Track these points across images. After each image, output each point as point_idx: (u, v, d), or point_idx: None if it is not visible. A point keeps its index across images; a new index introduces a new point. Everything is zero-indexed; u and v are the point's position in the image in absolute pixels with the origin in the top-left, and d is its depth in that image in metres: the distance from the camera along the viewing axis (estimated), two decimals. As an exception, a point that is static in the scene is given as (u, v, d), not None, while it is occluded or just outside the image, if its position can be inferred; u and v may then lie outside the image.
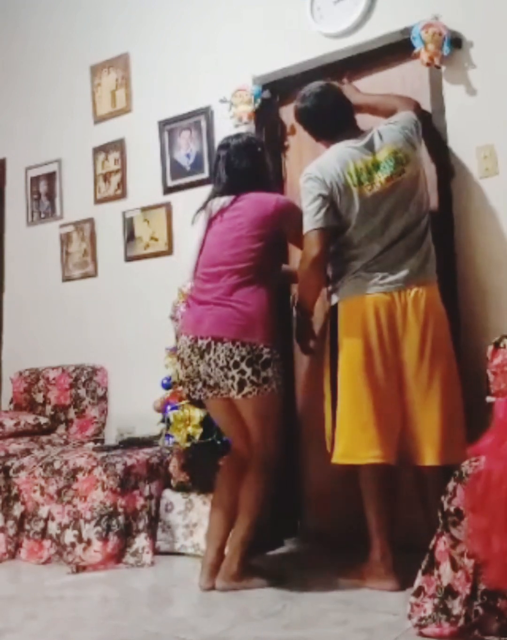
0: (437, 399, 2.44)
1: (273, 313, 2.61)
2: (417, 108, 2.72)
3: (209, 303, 2.61)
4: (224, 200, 2.70)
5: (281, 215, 2.66)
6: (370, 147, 2.56)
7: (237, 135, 2.85)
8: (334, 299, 2.61)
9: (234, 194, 2.69)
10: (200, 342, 2.56)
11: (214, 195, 2.76)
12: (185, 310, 2.85)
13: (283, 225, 2.67)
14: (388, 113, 2.71)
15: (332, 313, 2.61)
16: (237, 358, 2.50)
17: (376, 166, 2.53)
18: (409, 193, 2.53)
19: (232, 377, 2.51)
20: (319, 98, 2.68)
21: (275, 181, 2.98)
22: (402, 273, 2.49)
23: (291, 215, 2.66)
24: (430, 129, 2.79)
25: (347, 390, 2.51)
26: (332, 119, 2.68)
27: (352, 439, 2.49)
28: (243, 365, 2.50)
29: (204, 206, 2.77)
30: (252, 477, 2.63)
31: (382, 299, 2.49)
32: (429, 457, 2.43)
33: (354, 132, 2.65)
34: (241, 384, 2.51)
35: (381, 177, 2.52)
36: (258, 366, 2.51)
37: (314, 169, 2.58)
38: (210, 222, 2.73)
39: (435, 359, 2.46)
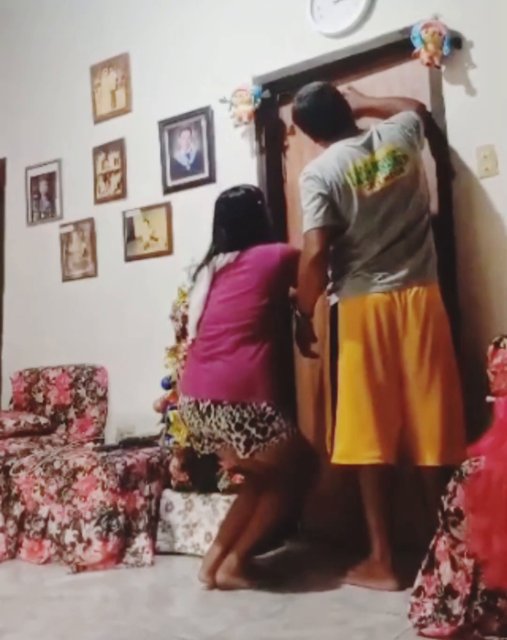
0: (437, 398, 2.44)
1: (275, 369, 2.58)
2: (420, 108, 2.71)
3: (208, 360, 2.58)
4: (229, 257, 2.68)
5: (287, 263, 2.63)
6: (368, 146, 2.56)
7: (235, 189, 2.82)
8: (334, 299, 2.60)
9: (237, 249, 2.67)
10: (201, 405, 2.54)
11: (215, 251, 2.74)
12: (185, 366, 2.81)
13: (290, 273, 2.64)
14: (392, 115, 2.70)
15: (332, 313, 2.60)
16: (238, 421, 2.48)
17: (375, 165, 2.52)
18: (408, 192, 2.53)
19: (238, 439, 2.49)
20: (316, 98, 2.68)
21: (276, 232, 2.93)
22: (402, 272, 2.49)
23: (296, 262, 2.62)
24: (433, 128, 2.78)
25: (347, 391, 2.51)
26: (330, 119, 2.67)
27: (352, 439, 2.49)
28: (246, 426, 2.48)
29: (206, 262, 2.74)
30: (271, 493, 2.62)
31: (382, 299, 2.48)
32: (429, 457, 2.43)
33: (353, 131, 2.65)
34: (248, 444, 2.49)
35: (380, 176, 2.51)
36: (263, 424, 2.48)
37: (313, 168, 2.57)
38: (214, 278, 2.70)
39: (435, 358, 2.46)
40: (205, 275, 2.73)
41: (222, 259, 2.70)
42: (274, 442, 2.50)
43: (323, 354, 2.69)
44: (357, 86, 3.05)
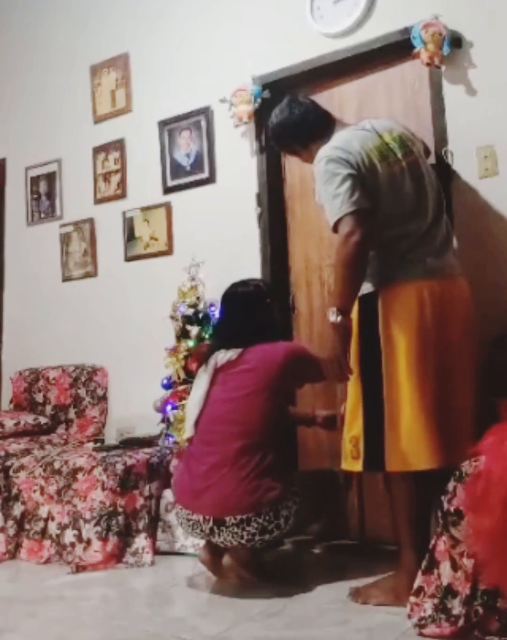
0: (471, 396, 2.33)
1: (281, 472, 2.51)
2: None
3: (207, 475, 2.51)
4: (231, 353, 2.63)
5: (292, 363, 2.59)
6: (374, 131, 2.41)
7: (245, 283, 2.77)
8: (372, 286, 2.33)
9: (241, 347, 2.63)
10: (203, 525, 2.50)
11: (218, 347, 2.70)
12: (182, 468, 2.72)
13: (295, 372, 2.61)
14: None
15: (369, 302, 2.32)
16: (247, 537, 2.44)
17: (388, 146, 2.39)
18: (424, 175, 2.41)
19: (253, 545, 2.47)
20: (291, 106, 2.54)
21: (281, 331, 2.87)
22: (448, 258, 2.38)
23: (300, 361, 2.60)
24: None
25: (410, 391, 2.25)
26: (318, 118, 2.52)
27: (415, 443, 2.24)
28: (257, 538, 2.44)
29: (207, 358, 2.71)
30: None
31: (436, 285, 2.29)
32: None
33: (345, 125, 2.50)
34: (262, 543, 2.48)
35: (398, 155, 2.37)
36: (271, 525, 2.44)
37: (334, 150, 2.34)
38: (214, 375, 2.66)
39: (474, 355, 2.36)
40: (206, 372, 2.68)
41: (223, 356, 2.65)
42: (289, 524, 2.47)
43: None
44: (357, 86, 3.05)
